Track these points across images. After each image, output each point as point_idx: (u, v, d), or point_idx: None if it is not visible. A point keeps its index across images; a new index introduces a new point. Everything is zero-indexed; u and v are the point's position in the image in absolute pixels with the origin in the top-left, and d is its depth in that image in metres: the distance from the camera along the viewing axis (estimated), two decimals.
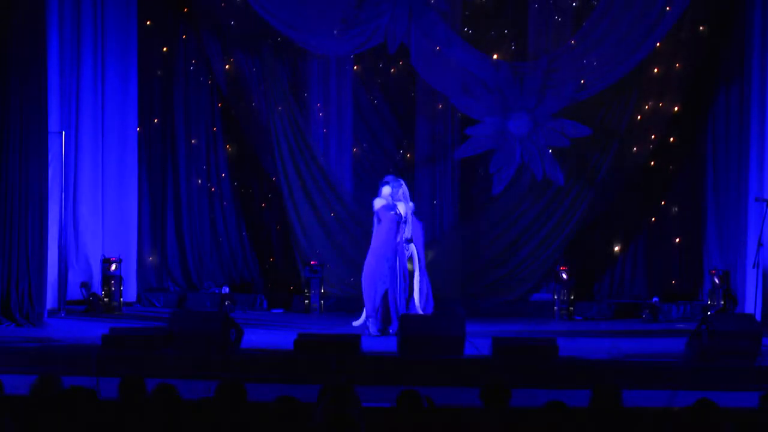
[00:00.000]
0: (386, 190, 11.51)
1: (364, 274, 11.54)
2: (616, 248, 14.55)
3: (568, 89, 13.44)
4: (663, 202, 14.54)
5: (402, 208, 11.42)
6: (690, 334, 10.22)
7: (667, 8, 13.06)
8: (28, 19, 11.73)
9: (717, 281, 13.31)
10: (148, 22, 14.44)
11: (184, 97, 14.77)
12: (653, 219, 14.57)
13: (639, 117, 14.10)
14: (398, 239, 11.40)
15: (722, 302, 13.16)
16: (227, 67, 14.63)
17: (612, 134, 14.02)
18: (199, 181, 14.90)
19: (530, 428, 5.51)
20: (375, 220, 11.61)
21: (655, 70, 14.00)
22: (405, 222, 11.44)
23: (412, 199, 11.75)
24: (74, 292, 13.69)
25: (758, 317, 11.42)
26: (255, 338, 10.84)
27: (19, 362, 9.58)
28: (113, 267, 13.44)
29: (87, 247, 13.89)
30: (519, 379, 8.45)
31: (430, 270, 11.76)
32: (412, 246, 11.60)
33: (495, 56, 13.87)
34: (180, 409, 5.58)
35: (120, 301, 13.47)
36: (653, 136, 14.18)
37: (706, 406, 5.24)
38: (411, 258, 11.61)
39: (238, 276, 14.90)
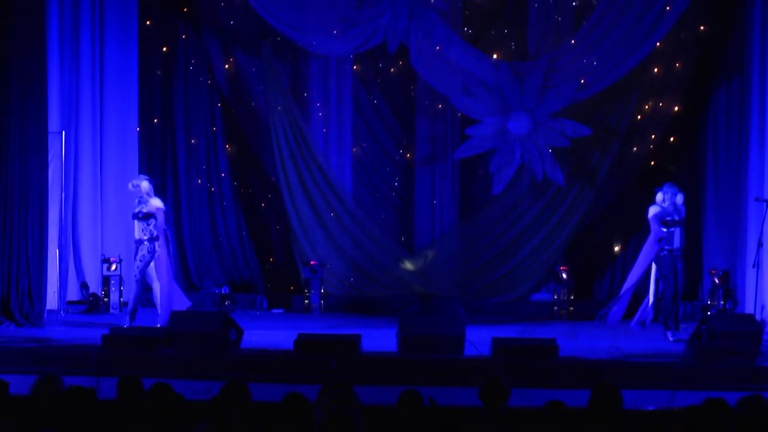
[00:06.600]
0: (144, 184, 11.55)
1: None
2: (616, 248, 14.54)
3: (568, 89, 13.44)
4: None
5: (157, 203, 11.47)
6: (690, 334, 10.21)
7: (667, 8, 13.05)
8: (28, 20, 11.73)
9: (717, 281, 13.30)
10: (148, 22, 14.44)
11: (184, 97, 14.77)
12: None
13: (639, 117, 14.09)
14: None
15: (722, 302, 13.15)
16: (227, 67, 14.63)
17: (612, 134, 14.01)
18: (199, 181, 14.89)
19: (530, 428, 5.51)
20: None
21: (655, 70, 14.00)
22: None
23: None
24: (74, 292, 13.69)
25: (758, 317, 11.43)
26: (255, 338, 10.84)
27: (19, 362, 9.58)
28: (113, 267, 13.44)
29: (87, 247, 13.89)
30: (519, 379, 8.43)
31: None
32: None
33: (495, 56, 13.87)
34: (179, 409, 5.57)
35: (120, 301, 13.47)
36: (653, 136, 14.18)
37: (715, 406, 5.19)
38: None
39: (238, 276, 14.88)
